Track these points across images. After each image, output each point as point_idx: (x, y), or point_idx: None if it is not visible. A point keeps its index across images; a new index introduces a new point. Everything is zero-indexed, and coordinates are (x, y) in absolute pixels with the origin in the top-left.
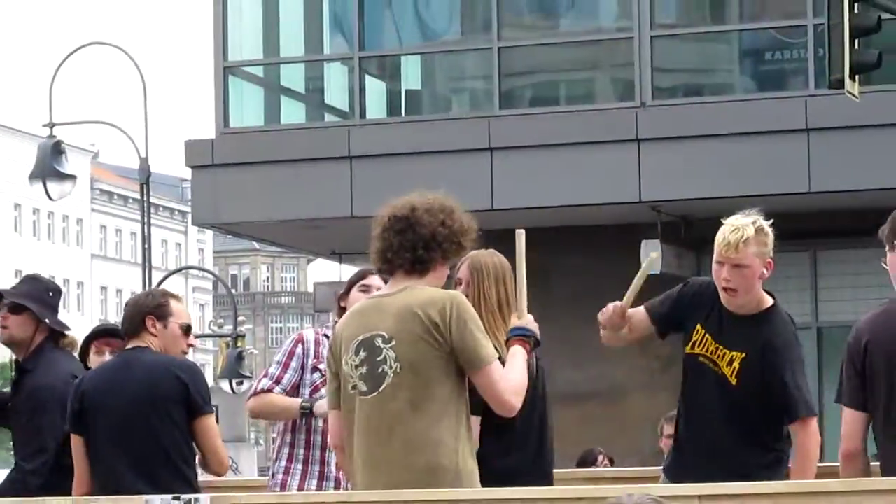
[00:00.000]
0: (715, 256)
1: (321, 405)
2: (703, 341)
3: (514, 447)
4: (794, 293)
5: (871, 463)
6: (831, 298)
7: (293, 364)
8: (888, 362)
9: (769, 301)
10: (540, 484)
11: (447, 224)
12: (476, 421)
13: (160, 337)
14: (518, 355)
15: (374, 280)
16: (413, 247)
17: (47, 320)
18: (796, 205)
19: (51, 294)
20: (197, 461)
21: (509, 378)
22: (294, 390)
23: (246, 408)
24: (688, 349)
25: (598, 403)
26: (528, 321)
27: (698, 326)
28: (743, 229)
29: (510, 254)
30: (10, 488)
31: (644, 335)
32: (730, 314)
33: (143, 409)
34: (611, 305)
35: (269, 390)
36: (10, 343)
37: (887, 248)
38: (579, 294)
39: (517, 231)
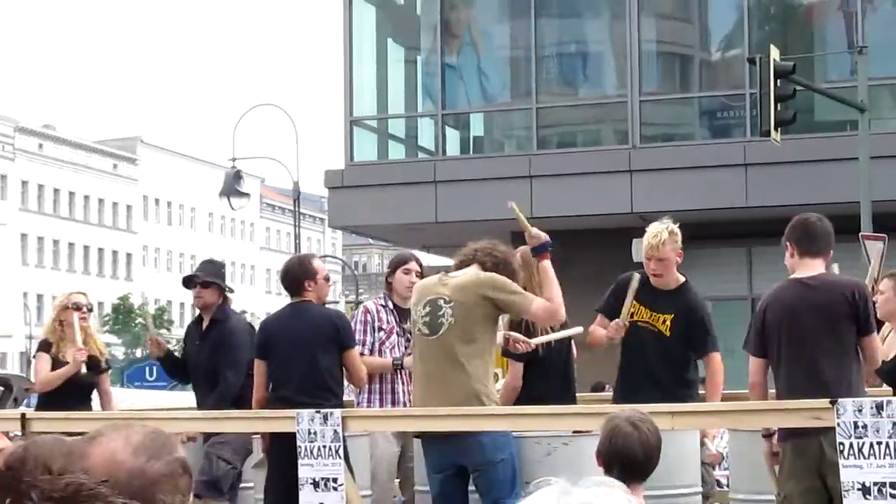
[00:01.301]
0: (643, 254)
1: (408, 361)
2: (639, 311)
3: (546, 379)
4: (735, 275)
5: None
6: (762, 279)
7: (368, 329)
8: (778, 324)
9: (682, 279)
10: (567, 403)
11: (513, 271)
12: (521, 366)
13: (314, 290)
14: (548, 271)
15: (413, 265)
16: (494, 256)
17: (227, 288)
18: (737, 215)
19: (223, 270)
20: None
21: (548, 303)
22: (372, 346)
23: None
24: (629, 319)
25: (606, 348)
26: (540, 235)
27: (634, 302)
28: (660, 234)
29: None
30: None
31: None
32: (657, 290)
33: (308, 343)
34: (615, 325)
35: (361, 354)
36: (203, 308)
37: (786, 249)
38: (589, 276)
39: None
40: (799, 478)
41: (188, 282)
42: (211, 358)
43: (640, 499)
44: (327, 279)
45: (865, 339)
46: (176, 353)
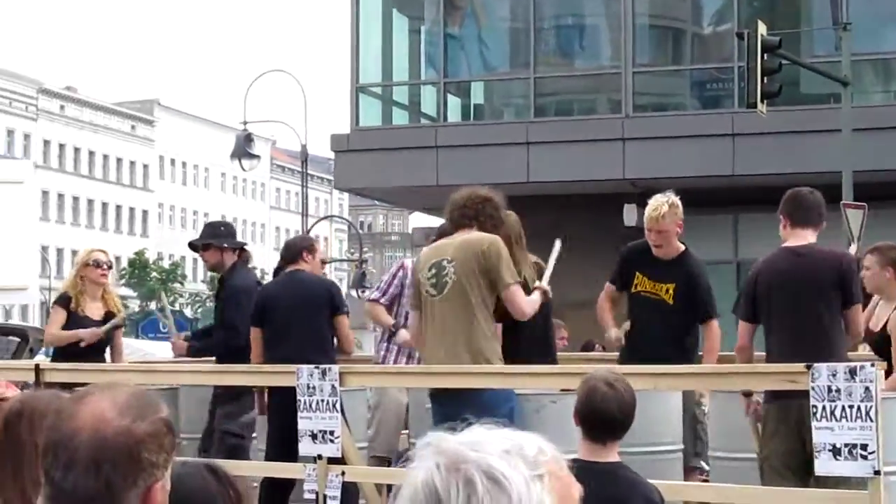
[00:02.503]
0: (645, 225)
1: (401, 335)
2: (642, 282)
3: (526, 340)
4: (721, 240)
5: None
6: (746, 244)
7: (395, 282)
8: (769, 290)
9: (682, 247)
10: (547, 363)
11: (504, 214)
12: (498, 326)
13: (310, 263)
14: (537, 295)
15: None
16: (494, 217)
17: (225, 244)
18: (724, 183)
19: (222, 228)
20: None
21: (527, 299)
22: (395, 299)
23: (364, 307)
24: (632, 290)
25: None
26: (545, 286)
27: (637, 273)
28: (660, 207)
29: (538, 208)
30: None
31: (618, 298)
32: (658, 260)
33: (304, 308)
34: (614, 336)
35: (377, 300)
36: (212, 269)
37: (779, 221)
38: (582, 239)
39: (556, 240)
40: (781, 439)
41: (194, 249)
42: (219, 317)
43: (615, 456)
44: (324, 263)
45: (849, 311)
46: (190, 334)
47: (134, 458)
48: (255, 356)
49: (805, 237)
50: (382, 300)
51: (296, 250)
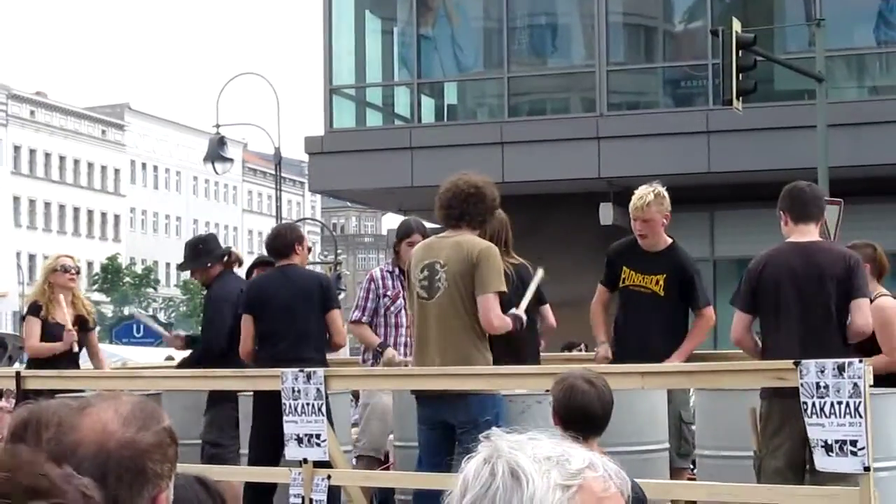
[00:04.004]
0: (631, 215)
1: (387, 354)
2: (630, 276)
3: (511, 350)
4: (698, 237)
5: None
6: (722, 242)
7: (370, 297)
8: (775, 283)
9: (669, 240)
10: (533, 357)
11: (496, 203)
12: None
13: (300, 255)
14: (510, 318)
15: (416, 237)
16: (482, 212)
17: (209, 264)
18: (700, 180)
19: (200, 246)
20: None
21: (499, 314)
22: (374, 312)
23: (348, 328)
24: (621, 285)
25: (576, 308)
26: (521, 314)
27: (624, 268)
28: (645, 196)
29: (514, 208)
30: (195, 361)
31: (610, 300)
32: (646, 252)
33: (297, 302)
34: (602, 352)
35: (360, 320)
36: (204, 285)
37: (779, 218)
38: (559, 239)
39: (538, 269)
40: (786, 436)
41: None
42: (203, 325)
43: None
44: (309, 249)
45: (854, 300)
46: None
47: (139, 469)
48: (246, 340)
49: (809, 233)
50: (364, 319)
51: (289, 243)
